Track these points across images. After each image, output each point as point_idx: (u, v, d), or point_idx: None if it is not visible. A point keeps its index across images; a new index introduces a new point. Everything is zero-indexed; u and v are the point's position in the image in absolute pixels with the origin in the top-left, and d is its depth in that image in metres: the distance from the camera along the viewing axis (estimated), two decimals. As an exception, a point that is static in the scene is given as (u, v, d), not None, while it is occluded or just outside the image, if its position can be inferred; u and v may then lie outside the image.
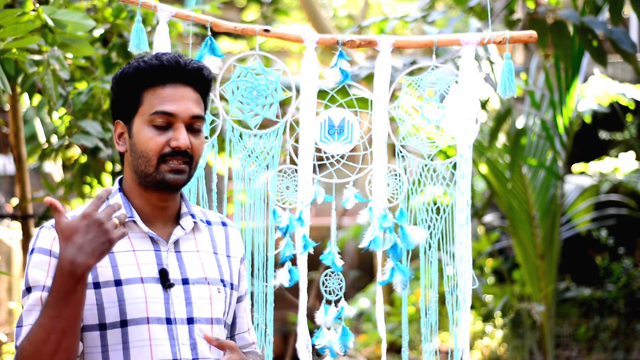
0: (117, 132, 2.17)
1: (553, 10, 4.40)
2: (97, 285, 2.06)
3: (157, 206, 2.16)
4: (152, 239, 2.14)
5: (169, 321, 2.09)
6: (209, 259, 2.20)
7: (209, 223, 2.26)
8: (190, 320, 2.11)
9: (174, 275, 2.12)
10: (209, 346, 2.12)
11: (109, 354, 2.06)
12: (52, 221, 2.11)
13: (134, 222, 2.13)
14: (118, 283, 2.06)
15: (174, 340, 2.08)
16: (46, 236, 2.08)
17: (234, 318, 2.30)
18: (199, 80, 2.16)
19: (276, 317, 2.74)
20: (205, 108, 2.20)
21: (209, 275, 2.17)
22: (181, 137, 2.09)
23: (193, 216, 2.21)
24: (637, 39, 8.50)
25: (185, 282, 2.13)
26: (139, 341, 2.05)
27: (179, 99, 2.11)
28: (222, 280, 2.19)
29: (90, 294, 2.05)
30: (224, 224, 2.30)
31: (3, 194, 7.63)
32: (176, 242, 2.16)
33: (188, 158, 2.12)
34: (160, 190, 2.13)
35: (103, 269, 2.07)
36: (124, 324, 2.05)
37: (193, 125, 2.13)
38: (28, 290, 2.06)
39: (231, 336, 2.30)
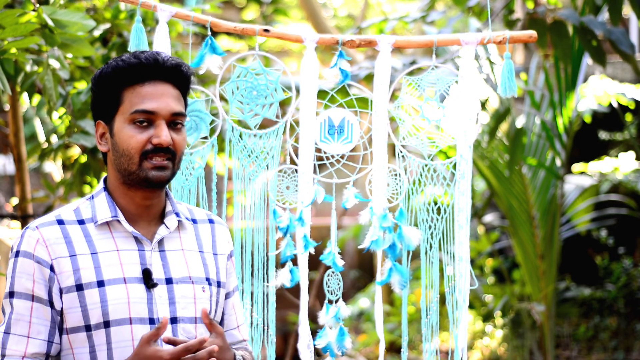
0: (98, 133, 2.17)
1: (552, 10, 4.40)
2: (79, 288, 2.07)
3: (141, 205, 2.16)
4: (136, 238, 2.14)
5: (152, 321, 2.09)
6: (194, 257, 2.19)
7: (194, 221, 2.26)
8: (173, 320, 2.11)
9: (157, 274, 2.12)
10: None
11: (96, 354, 2.08)
12: (36, 222, 2.12)
13: (118, 221, 2.14)
14: (100, 284, 2.07)
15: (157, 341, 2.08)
16: (30, 239, 2.09)
17: (222, 315, 2.29)
18: (178, 77, 2.16)
19: (276, 317, 2.74)
20: (185, 105, 2.20)
21: (194, 274, 2.17)
22: (162, 134, 2.10)
23: (177, 215, 2.20)
24: (637, 39, 8.50)
25: (169, 281, 2.14)
26: (122, 341, 2.06)
27: (158, 97, 2.11)
28: (207, 279, 2.19)
29: (73, 297, 2.07)
30: (210, 221, 2.30)
31: (3, 194, 7.63)
32: (160, 241, 2.16)
33: (170, 154, 2.12)
34: (144, 187, 2.13)
35: (86, 271, 2.08)
36: (107, 324, 2.06)
37: (174, 122, 2.14)
38: (11, 294, 2.07)
39: None
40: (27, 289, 2.07)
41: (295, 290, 2.74)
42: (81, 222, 2.14)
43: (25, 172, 3.96)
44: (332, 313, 2.65)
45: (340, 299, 2.68)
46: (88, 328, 2.07)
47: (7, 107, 4.19)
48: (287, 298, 4.62)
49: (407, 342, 2.75)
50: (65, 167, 4.84)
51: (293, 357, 5.44)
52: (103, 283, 2.07)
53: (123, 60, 2.12)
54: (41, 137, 5.19)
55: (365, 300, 8.00)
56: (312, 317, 2.68)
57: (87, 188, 4.15)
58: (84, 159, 3.97)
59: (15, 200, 4.81)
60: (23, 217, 3.97)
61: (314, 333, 2.67)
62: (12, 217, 5.22)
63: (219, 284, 2.23)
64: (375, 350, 7.43)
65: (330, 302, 2.67)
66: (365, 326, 7.83)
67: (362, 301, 8.02)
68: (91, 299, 2.06)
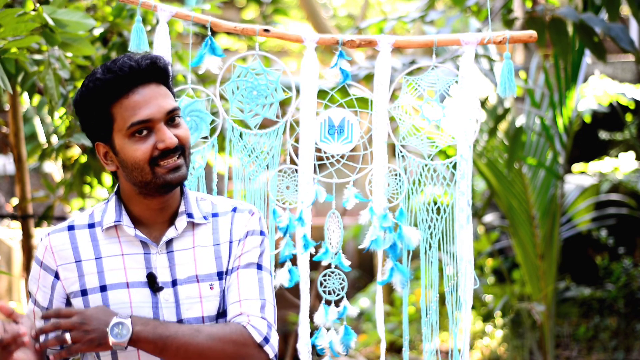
0: (101, 154, 2.14)
1: (552, 9, 4.40)
2: (84, 293, 2.10)
3: (155, 209, 2.15)
4: (142, 242, 2.13)
5: None
6: (206, 253, 2.15)
7: (215, 215, 2.20)
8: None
9: (163, 278, 2.11)
10: None
11: (100, 359, 2.11)
12: (51, 228, 2.17)
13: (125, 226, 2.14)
14: (103, 289, 2.09)
15: None
16: (41, 246, 2.16)
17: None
18: (158, 73, 2.11)
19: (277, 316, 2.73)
20: (173, 95, 2.15)
21: (202, 272, 2.13)
22: (166, 137, 2.07)
23: (190, 215, 2.17)
24: (637, 38, 8.50)
25: (174, 283, 2.12)
26: None
27: (148, 102, 2.07)
28: (218, 274, 2.15)
29: (79, 302, 2.11)
30: (234, 209, 2.22)
31: (3, 194, 7.63)
32: (169, 242, 2.14)
33: (180, 150, 2.10)
34: (164, 193, 2.12)
35: (90, 276, 2.10)
36: None
37: (171, 119, 2.10)
38: (29, 294, 2.21)
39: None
40: (32, 292, 2.17)
41: (295, 290, 2.74)
42: (91, 225, 2.15)
43: (25, 172, 3.96)
44: (333, 313, 2.65)
45: (345, 299, 2.68)
46: None
47: (7, 107, 4.19)
48: (287, 298, 4.62)
49: (408, 342, 2.74)
50: (65, 167, 4.84)
51: (293, 357, 5.44)
52: (105, 288, 2.09)
53: (99, 79, 2.06)
54: (41, 137, 5.19)
55: (365, 300, 8.00)
56: (312, 317, 2.68)
57: (87, 188, 4.16)
58: (84, 159, 3.98)
59: (15, 200, 4.81)
60: (23, 217, 3.97)
61: (314, 333, 2.67)
62: (12, 217, 5.22)
63: (229, 272, 2.17)
64: (376, 350, 7.43)
65: (327, 302, 2.67)
66: (365, 326, 7.83)
67: (362, 301, 8.02)
68: (94, 304, 2.08)
